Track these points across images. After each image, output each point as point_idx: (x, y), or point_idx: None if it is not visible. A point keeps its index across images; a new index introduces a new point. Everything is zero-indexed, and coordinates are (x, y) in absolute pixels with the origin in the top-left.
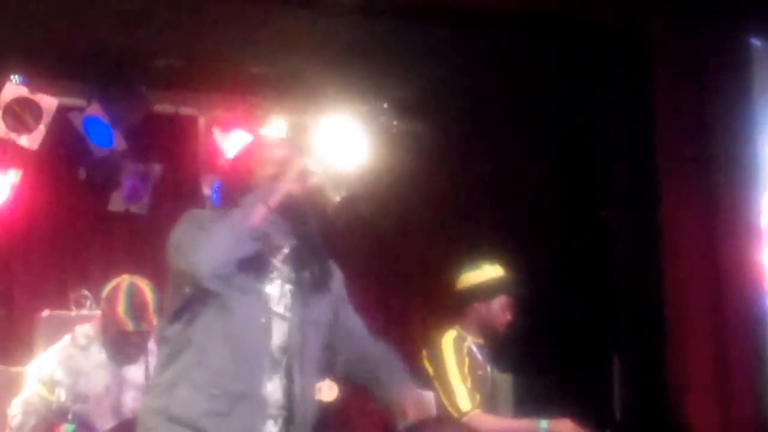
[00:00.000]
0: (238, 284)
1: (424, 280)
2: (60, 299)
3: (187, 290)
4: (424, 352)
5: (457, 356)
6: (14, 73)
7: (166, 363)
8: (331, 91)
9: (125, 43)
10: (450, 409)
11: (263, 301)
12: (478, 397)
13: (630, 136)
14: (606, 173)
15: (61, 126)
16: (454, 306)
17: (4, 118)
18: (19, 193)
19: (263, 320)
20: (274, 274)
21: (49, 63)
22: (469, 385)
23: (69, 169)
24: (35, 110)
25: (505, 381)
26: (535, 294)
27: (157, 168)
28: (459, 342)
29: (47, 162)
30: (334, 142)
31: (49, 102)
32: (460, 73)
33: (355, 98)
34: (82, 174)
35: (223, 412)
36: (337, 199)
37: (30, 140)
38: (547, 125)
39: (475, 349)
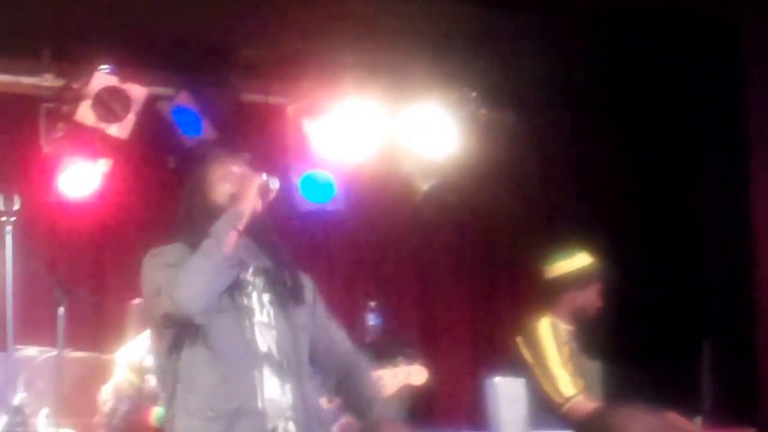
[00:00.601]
0: (213, 307)
1: (512, 269)
2: None
3: (171, 329)
4: (520, 340)
5: (556, 342)
6: (104, 62)
7: (166, 399)
8: (420, 80)
9: (214, 32)
10: (553, 395)
11: (243, 315)
12: (580, 381)
13: (721, 122)
14: (696, 158)
15: (150, 115)
16: (546, 294)
17: (93, 108)
18: (108, 182)
19: (247, 334)
20: (249, 288)
21: (138, 52)
22: (570, 370)
23: (158, 159)
24: (124, 100)
25: (594, 368)
26: (625, 281)
27: (246, 156)
28: (555, 328)
29: (136, 151)
30: (423, 130)
31: (138, 91)
32: (550, 62)
33: (443, 86)
34: (171, 163)
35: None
36: (425, 188)
37: (119, 129)
38: (636, 113)
39: (569, 335)
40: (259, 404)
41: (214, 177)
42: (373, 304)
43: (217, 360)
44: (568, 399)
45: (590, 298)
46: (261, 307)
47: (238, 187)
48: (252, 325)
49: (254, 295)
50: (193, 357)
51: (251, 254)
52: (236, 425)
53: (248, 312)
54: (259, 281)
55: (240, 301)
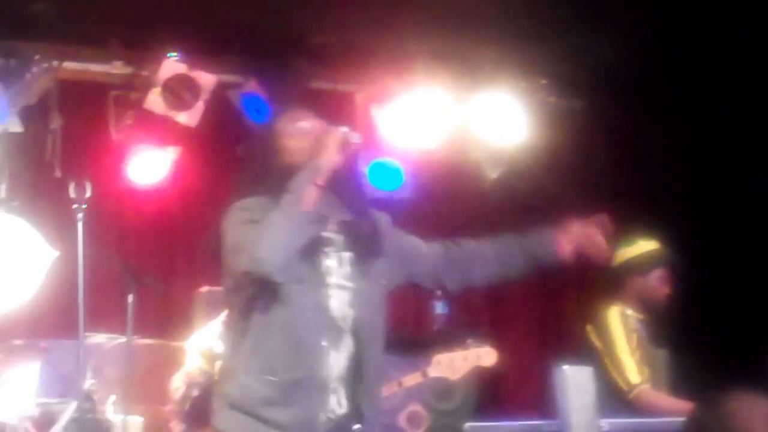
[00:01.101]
0: (293, 265)
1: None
2: (218, 276)
3: (250, 286)
4: (589, 328)
5: (625, 330)
6: (173, 50)
7: (230, 351)
8: (490, 67)
9: (283, 19)
10: (620, 382)
11: (320, 279)
12: (646, 370)
13: None
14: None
15: (220, 102)
16: (612, 282)
17: (162, 96)
18: (178, 169)
19: (320, 299)
20: (329, 247)
21: (207, 40)
22: (637, 358)
23: (227, 146)
24: (193, 87)
25: (661, 357)
26: (692, 269)
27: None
28: (624, 317)
29: (205, 138)
30: (492, 118)
31: (207, 78)
32: (619, 50)
33: (513, 74)
34: (239, 150)
35: (280, 400)
36: (494, 176)
37: (188, 117)
38: (709, 99)
39: (639, 324)
40: (321, 375)
41: (291, 131)
42: (440, 293)
43: (288, 325)
44: (635, 386)
45: (655, 284)
46: (339, 266)
47: (317, 142)
48: (327, 288)
49: (334, 255)
50: (265, 318)
51: (333, 209)
52: (294, 394)
53: (326, 274)
54: (340, 238)
55: (319, 262)
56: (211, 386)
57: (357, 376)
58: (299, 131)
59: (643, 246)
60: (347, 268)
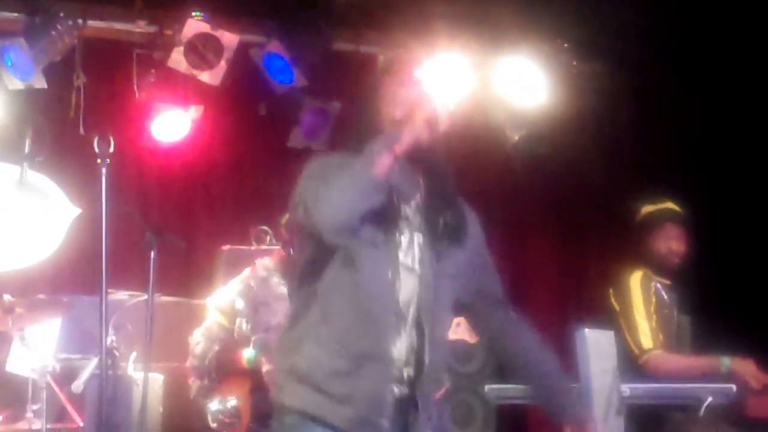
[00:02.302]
0: (365, 236)
1: (601, 221)
2: (240, 234)
3: (314, 243)
4: (611, 291)
5: (643, 294)
6: (196, 9)
7: (294, 318)
8: (513, 30)
9: None
10: (632, 346)
11: (392, 253)
12: (661, 336)
13: None
14: None
15: (242, 62)
16: (632, 245)
17: (185, 54)
18: (200, 128)
19: (390, 274)
20: (404, 225)
21: (230, 0)
22: (653, 324)
23: (249, 105)
24: (216, 46)
25: (685, 322)
26: (720, 237)
27: (336, 105)
28: (646, 281)
29: (228, 98)
30: (514, 81)
31: (230, 38)
32: (642, 14)
33: (536, 37)
34: (262, 110)
35: (348, 371)
36: (516, 138)
37: (211, 76)
38: (729, 65)
39: (662, 289)
40: (390, 351)
41: (388, 94)
42: None
43: (358, 296)
44: (646, 351)
45: (661, 240)
46: (409, 247)
47: (407, 112)
48: (397, 264)
49: (407, 233)
50: (335, 284)
51: (416, 188)
52: (362, 368)
53: (397, 250)
54: (418, 218)
55: (393, 234)
56: (232, 342)
57: (417, 367)
58: (395, 98)
59: (651, 207)
60: (415, 251)
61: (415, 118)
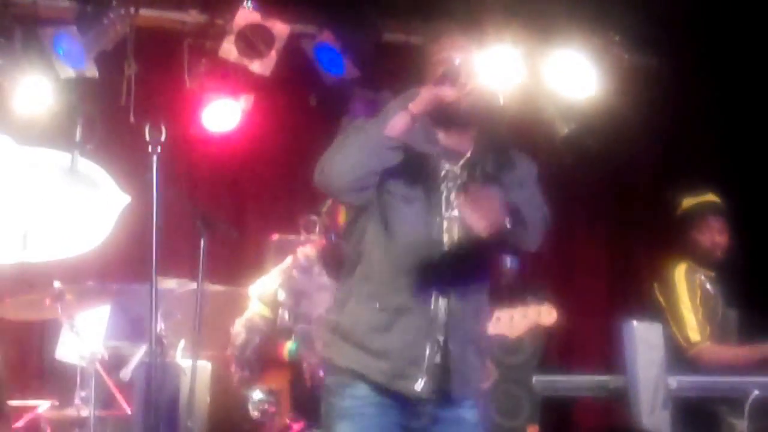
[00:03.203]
0: (398, 193)
1: (650, 214)
2: (289, 224)
3: (351, 205)
4: (656, 285)
5: (689, 287)
6: None
7: (343, 279)
8: (563, 22)
9: None
10: (680, 339)
11: (431, 209)
12: (708, 329)
13: None
14: None
15: (293, 52)
16: (675, 238)
17: (236, 44)
18: (250, 118)
19: (425, 228)
20: (450, 181)
21: None
22: (700, 316)
23: (300, 96)
24: (267, 36)
25: (731, 315)
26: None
27: (387, 96)
28: (690, 274)
29: (278, 88)
30: (564, 74)
31: (281, 28)
32: (695, 8)
33: (586, 30)
34: (312, 101)
35: (385, 327)
36: (566, 131)
37: (262, 66)
38: None
39: (707, 281)
40: (427, 303)
41: (432, 57)
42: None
43: (395, 250)
44: (694, 344)
45: (705, 233)
46: (451, 204)
47: (434, 70)
48: (441, 219)
49: (452, 187)
50: (374, 242)
51: (467, 146)
52: (398, 322)
53: (439, 204)
54: (464, 173)
55: (434, 192)
56: (273, 333)
57: (456, 319)
58: (441, 59)
59: (693, 200)
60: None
61: (438, 78)
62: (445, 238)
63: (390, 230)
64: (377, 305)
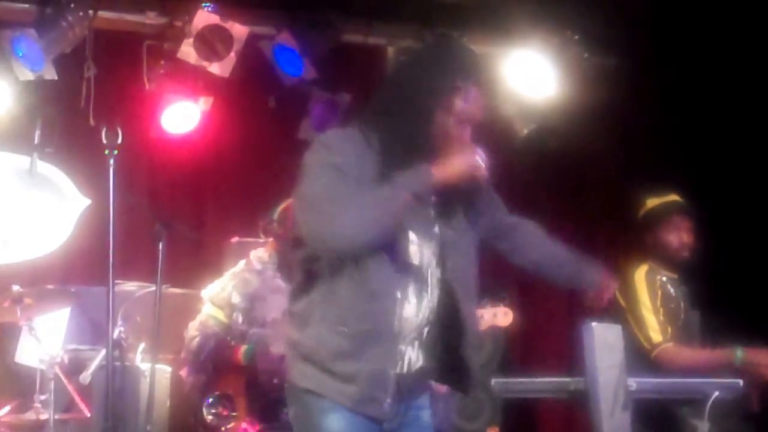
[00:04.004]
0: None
1: (610, 214)
2: (248, 226)
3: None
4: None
5: (649, 289)
6: (206, 0)
7: (300, 290)
8: (523, 22)
9: None
10: (642, 341)
11: (402, 231)
12: (670, 329)
13: None
14: None
15: (252, 54)
16: (638, 238)
17: (195, 46)
18: (209, 120)
19: (398, 246)
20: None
21: None
22: (661, 317)
23: (259, 97)
24: (226, 38)
25: (694, 317)
26: (729, 232)
27: (345, 97)
28: (651, 275)
29: (237, 90)
30: (524, 73)
31: (240, 30)
32: (654, 7)
33: (546, 29)
34: (271, 102)
35: (351, 352)
36: (525, 131)
37: (221, 68)
38: (740, 59)
39: (668, 282)
40: (393, 326)
41: (455, 110)
42: None
43: (361, 276)
44: (657, 345)
45: (667, 234)
46: (423, 208)
47: (458, 145)
48: (407, 233)
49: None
50: (338, 266)
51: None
52: (364, 346)
53: (407, 220)
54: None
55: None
56: (228, 337)
57: (445, 328)
58: (465, 115)
59: (657, 200)
60: (430, 212)
61: (461, 162)
62: (417, 257)
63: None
64: (342, 329)
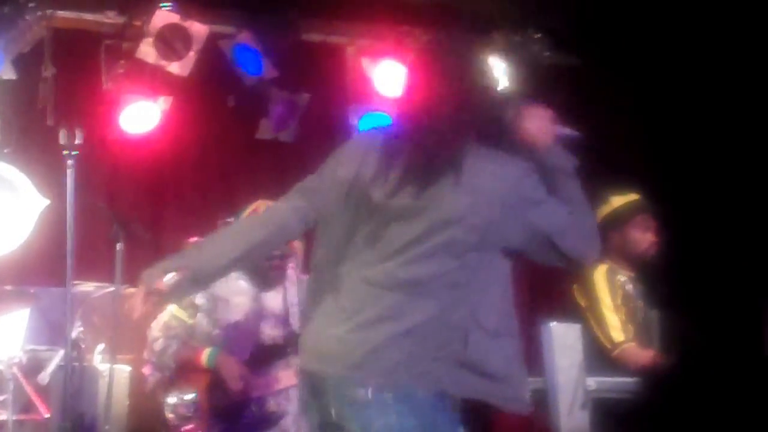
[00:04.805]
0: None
1: None
2: (207, 226)
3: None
4: (575, 287)
5: (609, 288)
6: (166, 0)
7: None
8: (482, 20)
9: None
10: (603, 340)
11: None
12: (631, 328)
13: None
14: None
15: (211, 53)
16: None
17: (154, 45)
18: (168, 119)
19: None
20: None
21: None
22: (622, 316)
23: (218, 97)
24: (186, 37)
25: (653, 316)
26: (688, 231)
27: (305, 96)
28: (611, 274)
29: (197, 89)
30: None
31: (199, 29)
32: (616, 6)
33: (505, 27)
34: (231, 101)
35: None
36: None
37: (180, 67)
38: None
39: (627, 282)
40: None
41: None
42: None
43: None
44: (618, 345)
45: (635, 234)
46: None
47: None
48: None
49: None
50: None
51: None
52: None
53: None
54: None
55: None
56: (191, 338)
57: None
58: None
59: (618, 200)
60: None
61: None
62: None
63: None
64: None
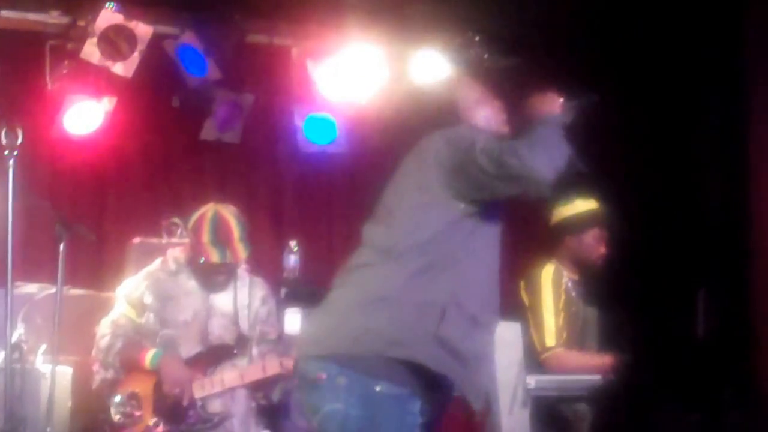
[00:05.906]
0: None
1: (518, 215)
2: (151, 227)
3: None
4: (522, 283)
5: (554, 290)
6: (110, 0)
7: None
8: (424, 22)
9: None
10: (536, 342)
11: None
12: (565, 334)
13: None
14: (694, 107)
15: (155, 54)
16: (550, 241)
17: (99, 46)
18: (112, 120)
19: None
20: None
21: None
22: (560, 321)
23: (162, 97)
24: (130, 38)
25: (591, 315)
26: (625, 229)
27: (249, 97)
28: (557, 276)
29: (141, 90)
30: (428, 74)
31: (143, 29)
32: (560, 8)
33: (447, 29)
34: (175, 102)
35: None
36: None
37: (124, 68)
38: (645, 65)
39: (571, 285)
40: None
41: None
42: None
43: None
44: (547, 349)
45: (588, 243)
46: None
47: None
48: None
49: None
50: None
51: None
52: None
53: None
54: None
55: None
56: (138, 337)
57: None
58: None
59: (580, 205)
60: None
61: None
62: None
63: None
64: None
